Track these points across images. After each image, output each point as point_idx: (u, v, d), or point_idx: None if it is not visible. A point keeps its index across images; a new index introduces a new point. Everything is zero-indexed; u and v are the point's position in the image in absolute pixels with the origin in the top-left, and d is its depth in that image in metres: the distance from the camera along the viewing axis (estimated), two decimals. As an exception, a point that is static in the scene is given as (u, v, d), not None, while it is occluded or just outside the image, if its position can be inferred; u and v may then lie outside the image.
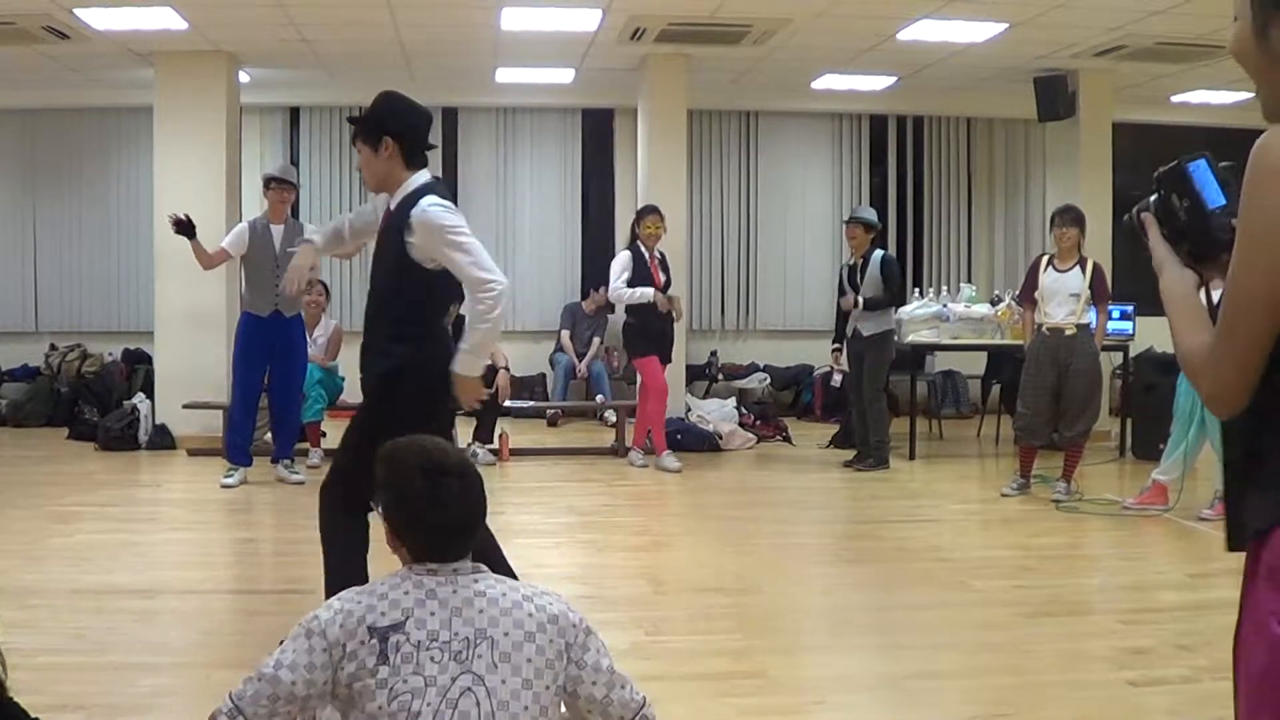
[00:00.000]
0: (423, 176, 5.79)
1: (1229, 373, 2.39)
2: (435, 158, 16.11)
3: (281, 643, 3.13)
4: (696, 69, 13.73)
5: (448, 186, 5.94)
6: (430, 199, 5.61)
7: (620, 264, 11.90)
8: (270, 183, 11.15)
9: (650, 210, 12.10)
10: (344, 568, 5.60)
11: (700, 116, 15.93)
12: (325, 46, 12.99)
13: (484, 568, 3.28)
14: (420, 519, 3.21)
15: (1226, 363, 2.39)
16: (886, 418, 12.05)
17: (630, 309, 11.93)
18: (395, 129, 5.82)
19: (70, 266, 16.00)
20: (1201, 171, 2.68)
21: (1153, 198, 2.80)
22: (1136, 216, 2.83)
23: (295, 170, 11.81)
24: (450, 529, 3.22)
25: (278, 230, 11.02)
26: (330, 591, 5.33)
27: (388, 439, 3.37)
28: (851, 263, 12.22)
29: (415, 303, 5.71)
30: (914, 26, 11.98)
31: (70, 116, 15.85)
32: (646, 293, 11.75)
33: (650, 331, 11.97)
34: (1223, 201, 2.63)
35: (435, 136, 15.98)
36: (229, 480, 10.95)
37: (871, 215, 12.38)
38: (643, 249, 11.91)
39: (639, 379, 12.35)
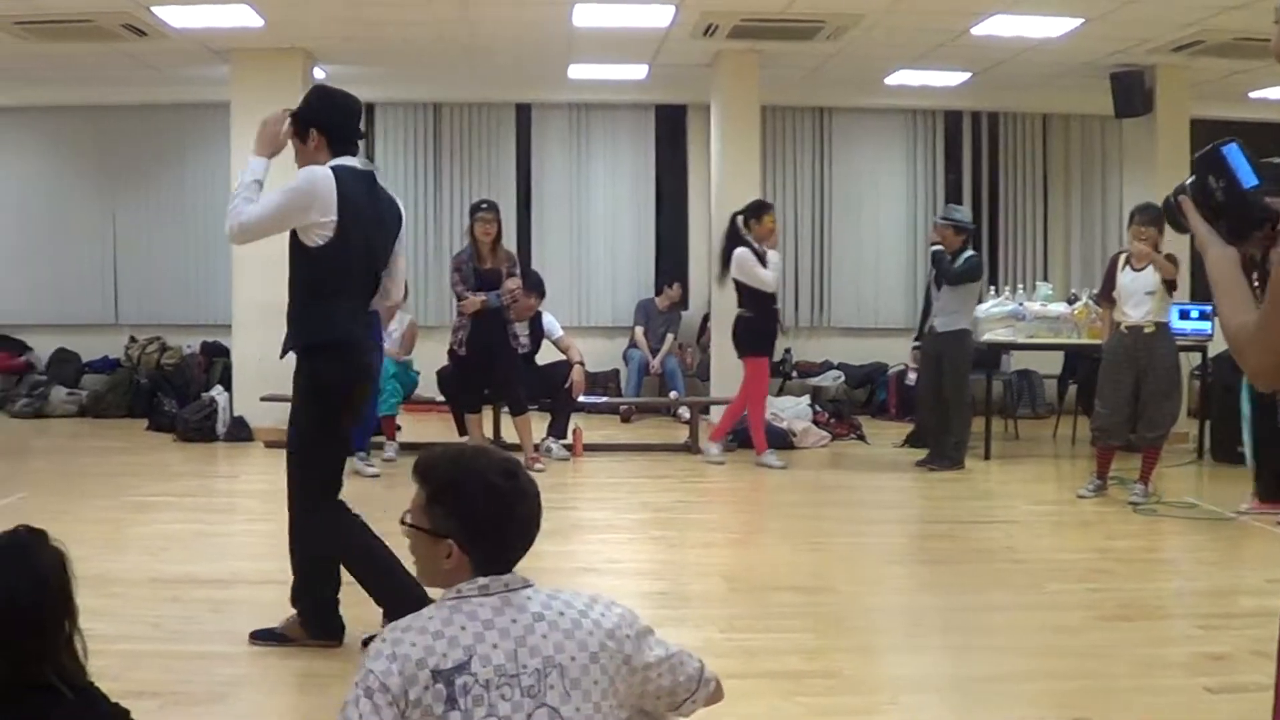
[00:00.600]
0: (342, 161, 6.03)
1: (1273, 352, 2.55)
2: (509, 155, 16.26)
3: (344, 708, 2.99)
4: (769, 65, 13.68)
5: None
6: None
7: (752, 257, 11.74)
8: None
9: (769, 206, 11.98)
10: None
11: (773, 113, 15.88)
12: (399, 43, 13.06)
13: (530, 580, 3.07)
14: (496, 523, 3.06)
15: (1271, 341, 2.54)
16: (969, 417, 11.95)
17: (749, 306, 11.80)
18: (320, 121, 6.11)
19: (149, 260, 16.18)
20: (1235, 154, 2.83)
21: (1189, 180, 2.92)
22: (1175, 199, 2.95)
23: (376, 168, 11.83)
24: (522, 534, 3.09)
25: None
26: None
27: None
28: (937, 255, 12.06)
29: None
30: (987, 22, 11.88)
31: (147, 113, 16.01)
32: (767, 278, 11.66)
33: (765, 331, 11.86)
34: (1256, 181, 2.79)
35: (506, 133, 16.18)
36: None
37: (960, 215, 12.22)
38: (757, 245, 11.73)
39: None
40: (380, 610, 6.04)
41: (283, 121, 6.12)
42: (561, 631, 2.95)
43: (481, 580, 2.98)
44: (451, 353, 11.89)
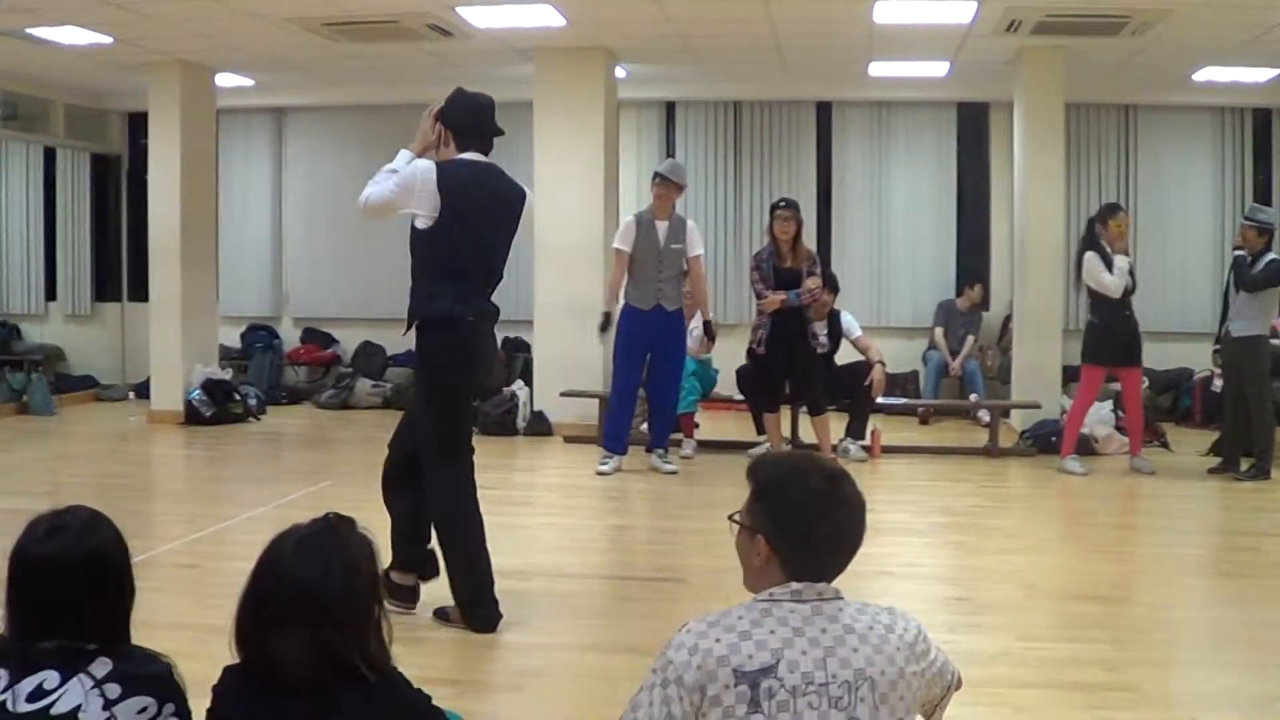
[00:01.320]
0: (466, 155, 6.67)
1: None
2: (809, 154, 16.23)
3: (637, 693, 3.04)
4: (1073, 61, 13.40)
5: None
6: None
7: (1098, 262, 11.51)
8: (658, 179, 11.32)
9: (1116, 209, 11.72)
10: None
11: (1077, 110, 15.51)
12: (701, 41, 13.17)
13: (842, 593, 3.04)
14: (806, 526, 3.02)
15: None
16: (1271, 426, 11.53)
17: (1095, 312, 11.58)
18: (447, 119, 6.75)
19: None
20: None
21: None
22: None
23: (683, 170, 11.94)
24: (842, 542, 3.06)
25: (662, 226, 11.25)
26: None
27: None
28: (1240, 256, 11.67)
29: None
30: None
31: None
32: (1108, 283, 11.43)
33: (1106, 339, 11.50)
34: None
35: (807, 132, 16.14)
36: (604, 468, 11.23)
37: (1266, 215, 11.77)
38: (1108, 249, 11.50)
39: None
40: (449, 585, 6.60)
41: (431, 119, 6.76)
42: (871, 645, 2.91)
43: (795, 585, 2.97)
44: (750, 351, 11.95)
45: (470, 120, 6.76)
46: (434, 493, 6.60)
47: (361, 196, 6.65)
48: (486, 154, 6.72)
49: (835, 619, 2.93)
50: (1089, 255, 11.37)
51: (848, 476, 3.09)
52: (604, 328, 11.60)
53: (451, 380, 6.62)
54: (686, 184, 11.93)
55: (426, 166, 6.52)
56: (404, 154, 6.69)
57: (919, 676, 2.97)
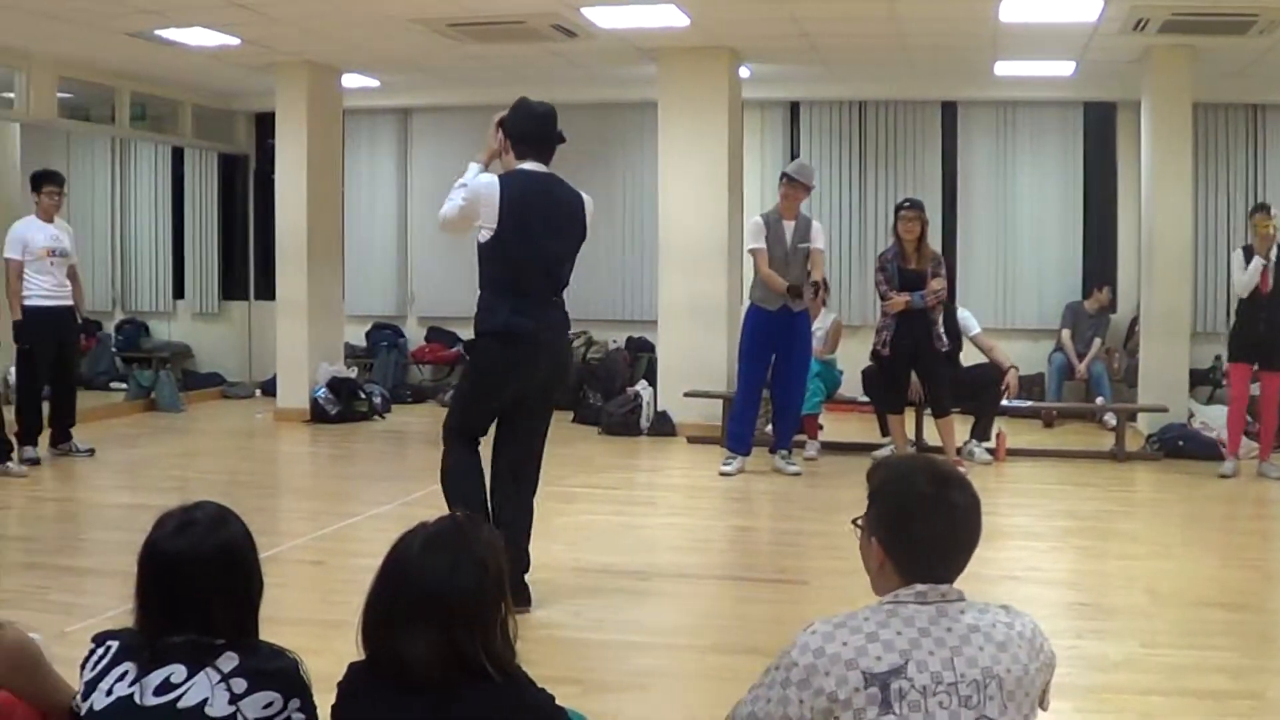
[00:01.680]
0: (525, 165, 6.90)
1: None
2: (934, 154, 16.11)
3: (753, 688, 3.06)
4: (1201, 60, 13.18)
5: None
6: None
7: (1239, 260, 11.31)
8: (786, 179, 11.29)
9: (1261, 209, 11.49)
10: None
11: (1205, 110, 15.22)
12: (825, 41, 13.12)
13: (965, 595, 3.03)
14: (911, 529, 3.02)
15: None
16: None
17: (1238, 308, 11.45)
18: (508, 129, 7.01)
19: (578, 256, 16.57)
20: None
21: None
22: None
23: (811, 170, 11.88)
24: (949, 544, 3.04)
25: (789, 226, 11.21)
26: None
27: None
28: None
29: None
30: None
31: (575, 112, 16.26)
32: (1236, 280, 11.29)
33: (1242, 337, 11.43)
34: None
35: (931, 132, 16.07)
36: (727, 468, 11.23)
37: None
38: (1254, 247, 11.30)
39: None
40: None
41: (494, 128, 7.02)
42: (996, 644, 2.91)
43: (920, 587, 2.97)
44: (875, 353, 11.89)
45: (529, 127, 6.96)
46: (446, 464, 6.98)
47: (439, 213, 6.95)
48: (546, 163, 6.92)
49: (958, 619, 2.94)
50: (1236, 254, 11.40)
51: (959, 480, 3.09)
52: (800, 294, 11.37)
53: (491, 386, 6.89)
54: (814, 185, 11.88)
55: (489, 180, 6.78)
56: (473, 166, 6.94)
57: (1041, 671, 2.98)
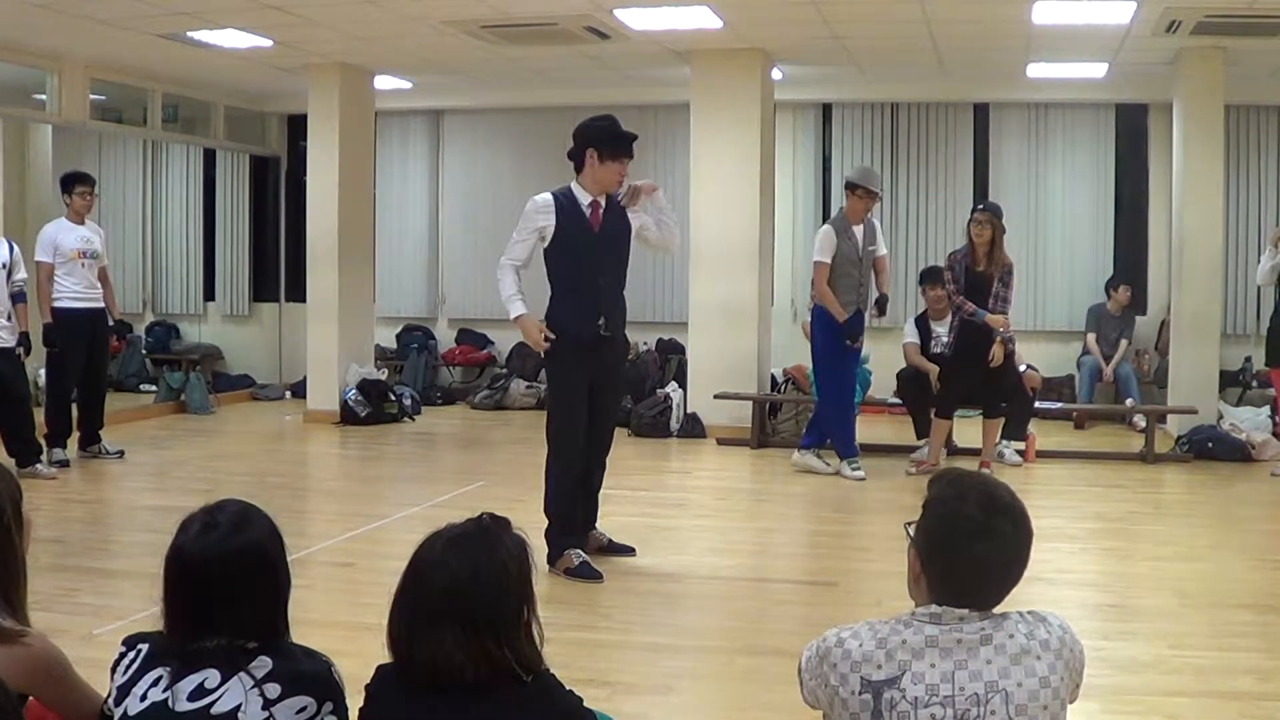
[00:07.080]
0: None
1: None
2: (966, 155, 16.06)
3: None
4: (1233, 62, 13.12)
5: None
6: None
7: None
8: (853, 188, 11.19)
9: None
10: None
11: (1237, 112, 15.13)
12: (857, 42, 13.11)
13: (999, 620, 2.97)
14: (949, 550, 2.99)
15: None
16: None
17: (1275, 310, 11.48)
18: (590, 142, 7.93)
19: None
20: None
21: None
22: None
23: (877, 176, 11.82)
24: (984, 574, 2.99)
25: (858, 230, 11.15)
26: None
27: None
28: None
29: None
30: None
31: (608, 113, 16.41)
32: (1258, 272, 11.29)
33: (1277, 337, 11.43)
34: None
35: (964, 133, 16.04)
36: (858, 473, 11.21)
37: None
38: None
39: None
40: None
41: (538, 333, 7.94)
42: (1008, 657, 2.89)
43: (935, 609, 2.97)
44: (938, 356, 11.88)
45: (606, 134, 7.88)
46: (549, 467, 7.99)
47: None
48: (629, 160, 7.89)
49: (974, 634, 2.92)
50: (1266, 252, 11.39)
51: (1009, 510, 3.02)
52: (882, 312, 11.74)
53: (562, 378, 7.93)
54: (880, 191, 11.79)
55: (543, 199, 7.81)
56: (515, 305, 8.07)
57: (1061, 679, 2.94)
